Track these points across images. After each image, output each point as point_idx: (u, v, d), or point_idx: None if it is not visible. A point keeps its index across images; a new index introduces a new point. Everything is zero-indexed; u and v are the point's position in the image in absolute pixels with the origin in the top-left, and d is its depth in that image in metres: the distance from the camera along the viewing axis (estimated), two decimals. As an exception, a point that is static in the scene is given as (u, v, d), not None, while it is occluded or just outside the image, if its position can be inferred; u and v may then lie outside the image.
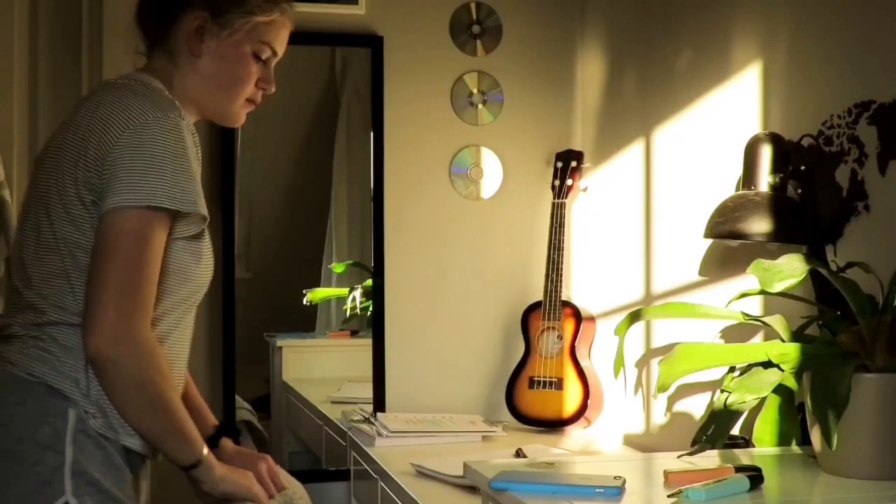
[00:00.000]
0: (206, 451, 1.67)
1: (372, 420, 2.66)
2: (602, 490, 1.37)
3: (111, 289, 1.56)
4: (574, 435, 2.78)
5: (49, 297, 1.62)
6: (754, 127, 2.13)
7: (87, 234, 1.61)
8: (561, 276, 2.85)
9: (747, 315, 1.89)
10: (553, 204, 2.91)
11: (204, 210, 1.65)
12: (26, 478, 1.54)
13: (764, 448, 1.74)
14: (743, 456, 1.71)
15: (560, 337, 2.83)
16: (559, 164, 2.93)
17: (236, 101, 1.79)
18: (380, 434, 2.56)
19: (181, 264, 1.66)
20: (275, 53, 1.80)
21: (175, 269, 1.66)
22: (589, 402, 2.77)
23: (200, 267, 1.70)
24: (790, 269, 1.59)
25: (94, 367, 1.57)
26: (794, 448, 1.71)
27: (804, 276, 1.58)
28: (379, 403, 2.91)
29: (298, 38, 3.15)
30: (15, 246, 1.70)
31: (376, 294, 2.96)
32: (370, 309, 2.98)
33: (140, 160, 1.58)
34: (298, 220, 3.23)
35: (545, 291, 2.86)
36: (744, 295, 1.85)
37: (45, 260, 1.63)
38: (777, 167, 1.95)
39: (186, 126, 1.65)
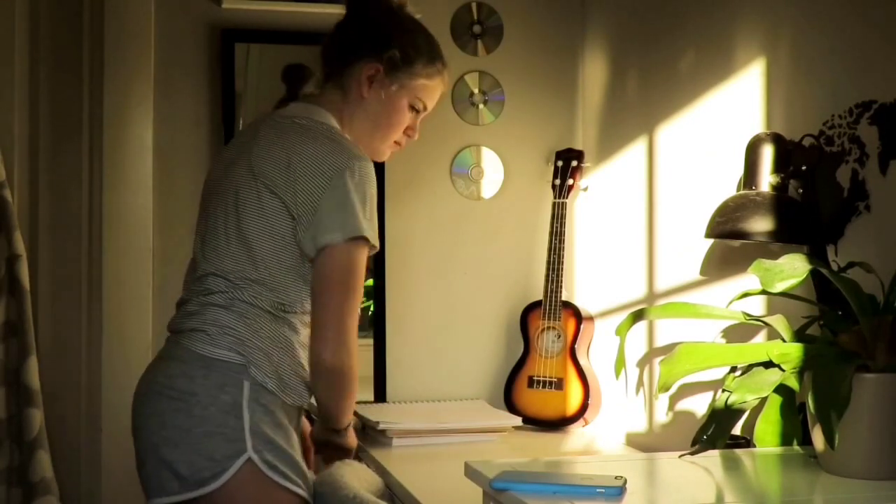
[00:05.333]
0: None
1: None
2: (603, 490, 1.37)
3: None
4: (575, 434, 2.78)
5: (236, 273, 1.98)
6: (756, 126, 2.13)
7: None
8: (561, 275, 2.85)
9: (748, 315, 1.89)
10: (554, 203, 2.91)
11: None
12: (214, 436, 1.87)
13: (765, 448, 1.74)
14: (744, 456, 1.71)
15: (559, 336, 2.83)
16: (559, 164, 2.93)
17: (386, 141, 2.16)
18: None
19: None
20: (426, 108, 2.17)
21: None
22: (589, 401, 2.77)
23: None
24: (791, 269, 1.59)
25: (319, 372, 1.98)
26: (796, 448, 1.72)
27: (805, 275, 1.58)
28: (380, 399, 2.93)
29: (298, 37, 3.16)
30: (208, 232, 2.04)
31: (377, 294, 2.96)
32: (371, 309, 2.98)
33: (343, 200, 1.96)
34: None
35: (545, 291, 2.86)
36: (745, 295, 1.85)
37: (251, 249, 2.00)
38: (778, 167, 1.95)
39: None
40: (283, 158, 1.97)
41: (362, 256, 1.98)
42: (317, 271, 1.96)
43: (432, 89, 2.16)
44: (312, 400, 2.07)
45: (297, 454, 1.95)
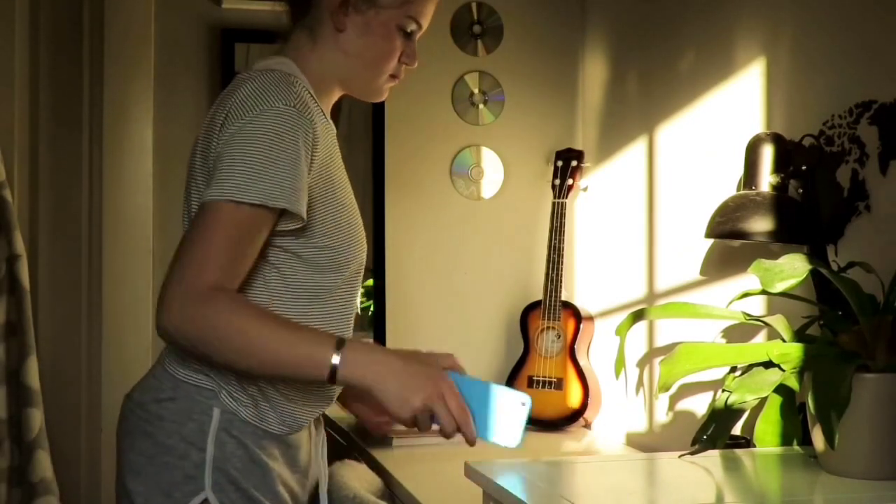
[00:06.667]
0: (335, 358, 1.50)
1: None
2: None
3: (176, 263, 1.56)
4: (575, 434, 2.78)
5: None
6: (756, 126, 2.13)
7: None
8: (561, 275, 2.85)
9: (748, 315, 1.89)
10: (553, 203, 2.91)
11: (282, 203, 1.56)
12: (174, 469, 1.63)
13: (765, 448, 1.74)
14: (744, 456, 1.71)
15: (559, 336, 2.83)
16: (559, 164, 2.93)
17: (380, 76, 1.77)
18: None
19: (291, 257, 1.65)
20: (419, 27, 1.77)
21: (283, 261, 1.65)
22: (588, 401, 2.77)
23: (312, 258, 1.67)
24: (791, 269, 1.60)
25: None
26: (796, 448, 1.72)
27: (805, 275, 1.58)
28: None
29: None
30: None
31: (377, 294, 2.96)
32: (371, 309, 2.98)
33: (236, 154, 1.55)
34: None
35: (545, 291, 2.85)
36: (745, 295, 1.85)
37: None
38: (778, 167, 1.95)
39: (302, 114, 1.59)
40: (209, 123, 1.66)
41: (228, 215, 1.53)
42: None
43: (422, 2, 1.75)
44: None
45: (273, 496, 1.67)
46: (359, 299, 1.82)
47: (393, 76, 1.79)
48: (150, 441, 1.66)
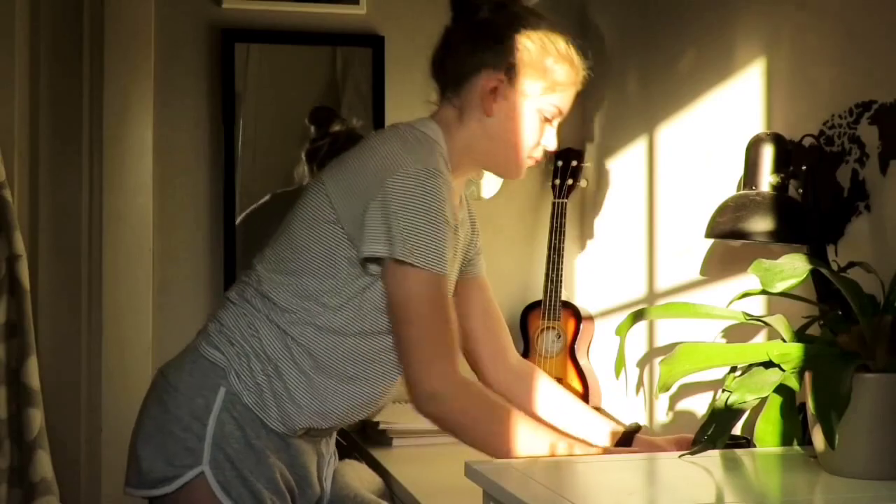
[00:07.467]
0: None
1: None
2: None
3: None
4: (575, 435, 2.78)
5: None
6: (757, 126, 2.13)
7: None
8: (561, 275, 2.84)
9: (748, 315, 1.89)
10: (553, 203, 2.91)
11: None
12: (178, 439, 1.72)
13: (765, 448, 1.74)
14: (744, 456, 1.71)
15: (559, 336, 2.83)
16: (559, 164, 2.93)
17: (518, 158, 1.86)
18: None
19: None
20: (561, 114, 1.87)
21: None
22: (588, 401, 2.77)
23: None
24: (791, 269, 1.59)
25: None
26: (796, 448, 1.72)
27: (805, 275, 1.58)
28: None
29: (298, 38, 3.16)
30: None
31: (377, 294, 2.96)
32: (371, 309, 2.98)
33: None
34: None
35: (545, 291, 2.85)
36: (745, 295, 1.85)
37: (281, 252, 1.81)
38: (778, 167, 1.96)
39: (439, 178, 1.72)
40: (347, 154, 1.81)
41: (420, 284, 1.70)
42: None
43: (565, 90, 1.85)
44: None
45: (268, 481, 1.74)
46: None
47: (531, 157, 1.88)
48: (161, 408, 1.75)
